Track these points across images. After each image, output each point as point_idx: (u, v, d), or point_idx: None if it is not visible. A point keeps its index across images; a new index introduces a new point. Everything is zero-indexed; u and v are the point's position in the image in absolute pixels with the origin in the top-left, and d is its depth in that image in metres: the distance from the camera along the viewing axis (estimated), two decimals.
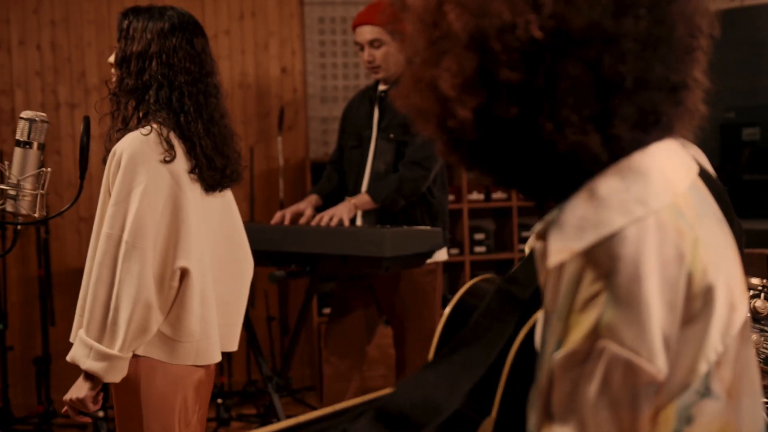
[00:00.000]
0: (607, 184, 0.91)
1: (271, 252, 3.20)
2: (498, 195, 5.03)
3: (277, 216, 3.44)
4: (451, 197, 4.78)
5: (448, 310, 1.17)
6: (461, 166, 1.00)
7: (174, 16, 2.17)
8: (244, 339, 4.69)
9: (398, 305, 3.46)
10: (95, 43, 4.74)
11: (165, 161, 2.07)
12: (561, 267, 0.90)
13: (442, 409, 0.98)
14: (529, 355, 1.01)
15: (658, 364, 0.85)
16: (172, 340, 2.11)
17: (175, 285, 2.08)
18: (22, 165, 2.08)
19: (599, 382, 0.85)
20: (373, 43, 3.37)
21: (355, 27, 3.46)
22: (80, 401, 2.05)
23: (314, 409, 4.28)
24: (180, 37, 2.15)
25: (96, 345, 2.02)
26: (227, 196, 2.29)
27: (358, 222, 3.41)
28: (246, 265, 2.34)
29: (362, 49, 3.42)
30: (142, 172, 2.04)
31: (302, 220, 3.40)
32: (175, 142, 2.11)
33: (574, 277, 0.88)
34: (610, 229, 0.87)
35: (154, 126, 2.10)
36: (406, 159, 3.38)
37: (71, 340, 2.13)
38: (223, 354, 2.28)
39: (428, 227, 3.32)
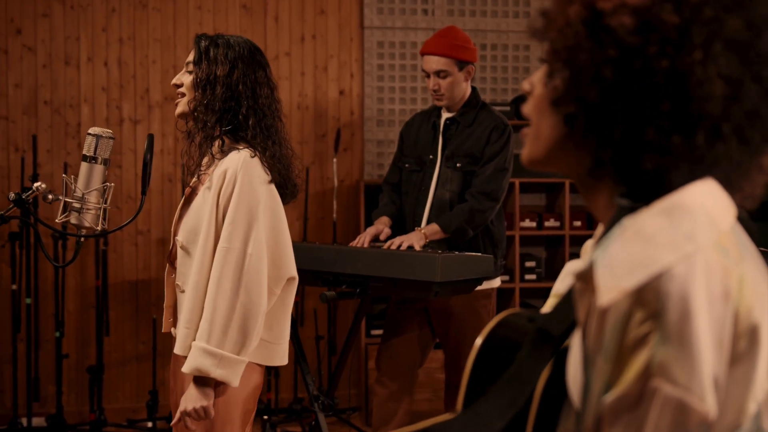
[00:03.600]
0: (653, 222, 0.90)
1: (322, 272, 3.24)
2: (550, 223, 5.00)
3: (358, 239, 3.46)
4: None
5: (479, 341, 1.15)
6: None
7: (247, 44, 2.30)
8: (292, 357, 4.72)
9: (452, 328, 3.47)
10: (160, 61, 4.86)
11: (269, 182, 2.23)
12: (605, 307, 0.88)
13: None
14: (556, 390, 1.01)
15: (709, 403, 0.84)
16: (269, 343, 2.27)
17: (278, 292, 2.25)
18: (88, 179, 2.16)
19: (653, 423, 0.84)
20: (440, 74, 3.44)
21: (423, 54, 3.51)
22: (204, 409, 2.15)
23: (359, 430, 4.29)
24: (257, 65, 2.28)
25: (224, 353, 2.12)
26: None
27: None
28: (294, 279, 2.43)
29: (428, 76, 3.48)
30: (259, 190, 2.20)
31: (382, 237, 3.46)
32: (267, 163, 2.25)
33: (621, 317, 0.86)
34: (659, 266, 0.86)
35: (252, 150, 2.23)
36: (475, 189, 3.40)
37: (176, 351, 2.23)
38: (271, 371, 2.36)
39: (479, 253, 3.33)
